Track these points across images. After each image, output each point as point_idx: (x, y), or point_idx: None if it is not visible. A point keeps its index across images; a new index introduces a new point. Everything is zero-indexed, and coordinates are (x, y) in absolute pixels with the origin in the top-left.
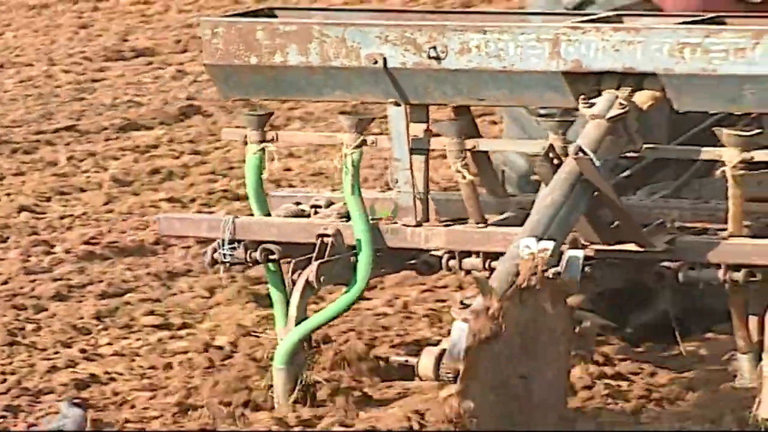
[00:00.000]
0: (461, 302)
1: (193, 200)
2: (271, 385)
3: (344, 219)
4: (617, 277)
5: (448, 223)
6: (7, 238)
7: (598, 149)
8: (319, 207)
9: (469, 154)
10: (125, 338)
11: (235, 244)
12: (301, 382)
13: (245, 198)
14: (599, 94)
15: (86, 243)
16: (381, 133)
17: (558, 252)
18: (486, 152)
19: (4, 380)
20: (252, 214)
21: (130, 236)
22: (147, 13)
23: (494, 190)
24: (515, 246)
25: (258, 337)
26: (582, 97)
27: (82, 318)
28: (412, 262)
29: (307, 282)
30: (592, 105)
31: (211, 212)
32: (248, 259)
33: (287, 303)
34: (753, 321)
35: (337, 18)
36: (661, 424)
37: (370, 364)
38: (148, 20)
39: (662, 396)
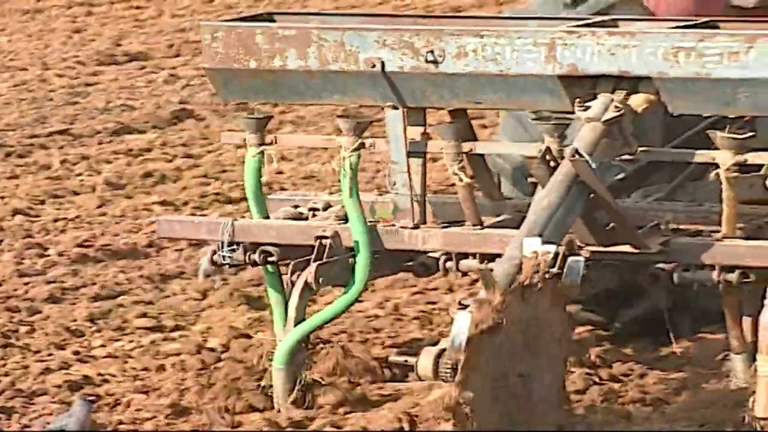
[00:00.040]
0: (459, 303)
1: (185, 203)
2: (271, 386)
3: (342, 221)
4: (612, 278)
5: (445, 225)
6: (1, 240)
7: (594, 152)
8: (317, 209)
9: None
10: (118, 340)
11: (235, 247)
12: (300, 382)
13: (237, 201)
14: (595, 98)
15: (79, 246)
16: (373, 136)
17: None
18: (482, 155)
19: None
20: (246, 216)
21: (123, 239)
22: (140, 17)
23: (490, 192)
24: (513, 248)
25: (250, 338)
26: (578, 100)
27: (75, 320)
28: (410, 263)
29: (306, 283)
30: (587, 108)
31: (204, 215)
32: (247, 261)
33: (285, 304)
34: (747, 322)
35: (335, 22)
36: (651, 425)
37: (368, 364)
38: (141, 25)
39: (655, 397)
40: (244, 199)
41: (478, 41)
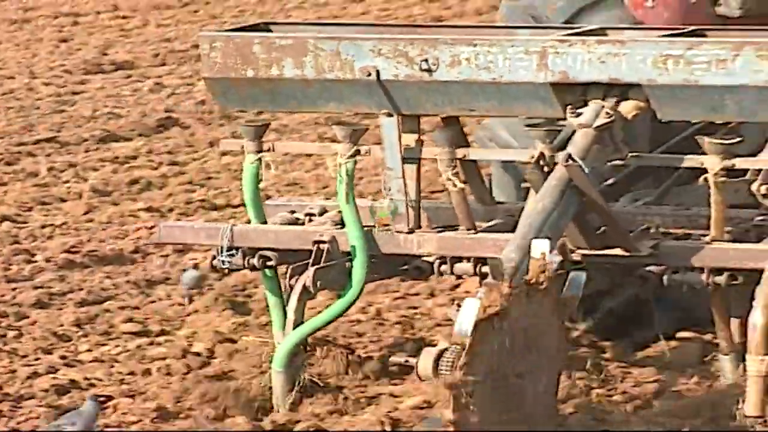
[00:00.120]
0: (458, 305)
1: (171, 210)
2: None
3: (339, 226)
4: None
5: (439, 229)
6: None
7: (587, 157)
8: (314, 215)
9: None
10: (105, 345)
11: (234, 251)
12: (298, 383)
13: (222, 207)
14: (586, 105)
15: (66, 252)
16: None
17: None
18: (475, 161)
19: None
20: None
21: (110, 245)
22: (126, 27)
23: (482, 197)
24: (509, 251)
25: (234, 343)
26: (569, 107)
27: (62, 325)
28: (405, 267)
29: (304, 287)
30: (579, 115)
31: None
32: (246, 266)
33: (283, 307)
34: (735, 323)
35: (331, 32)
36: (630, 426)
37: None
38: (127, 34)
39: (645, 397)
40: (229, 205)
41: (472, 50)
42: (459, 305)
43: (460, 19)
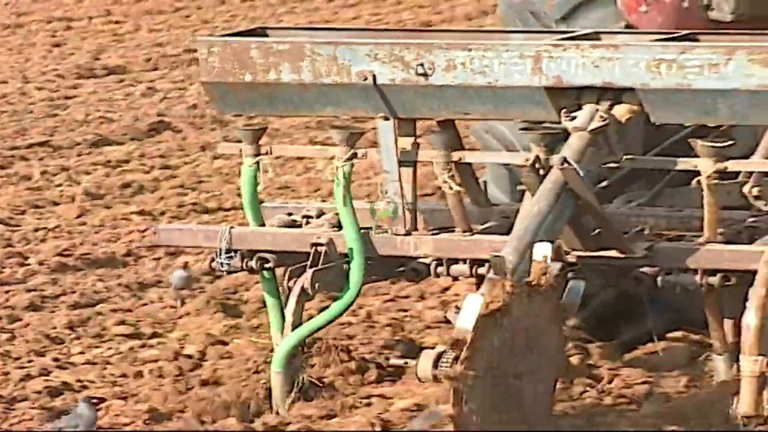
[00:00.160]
0: (456, 307)
1: (163, 213)
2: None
3: (336, 228)
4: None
5: (435, 231)
6: None
7: (582, 160)
8: (311, 217)
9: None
10: (97, 347)
11: (232, 254)
12: (297, 384)
13: (214, 211)
14: (580, 108)
15: (59, 255)
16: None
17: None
18: (470, 164)
19: None
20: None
21: (102, 248)
22: (118, 32)
23: (478, 199)
24: (507, 252)
25: (226, 345)
26: (564, 110)
27: (55, 328)
28: (402, 269)
29: (303, 289)
30: (573, 118)
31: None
32: (244, 268)
33: (281, 309)
34: (728, 323)
35: (328, 37)
36: (618, 427)
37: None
38: (119, 39)
39: (634, 398)
40: (221, 209)
41: (467, 54)
42: (458, 308)
43: (450, 23)
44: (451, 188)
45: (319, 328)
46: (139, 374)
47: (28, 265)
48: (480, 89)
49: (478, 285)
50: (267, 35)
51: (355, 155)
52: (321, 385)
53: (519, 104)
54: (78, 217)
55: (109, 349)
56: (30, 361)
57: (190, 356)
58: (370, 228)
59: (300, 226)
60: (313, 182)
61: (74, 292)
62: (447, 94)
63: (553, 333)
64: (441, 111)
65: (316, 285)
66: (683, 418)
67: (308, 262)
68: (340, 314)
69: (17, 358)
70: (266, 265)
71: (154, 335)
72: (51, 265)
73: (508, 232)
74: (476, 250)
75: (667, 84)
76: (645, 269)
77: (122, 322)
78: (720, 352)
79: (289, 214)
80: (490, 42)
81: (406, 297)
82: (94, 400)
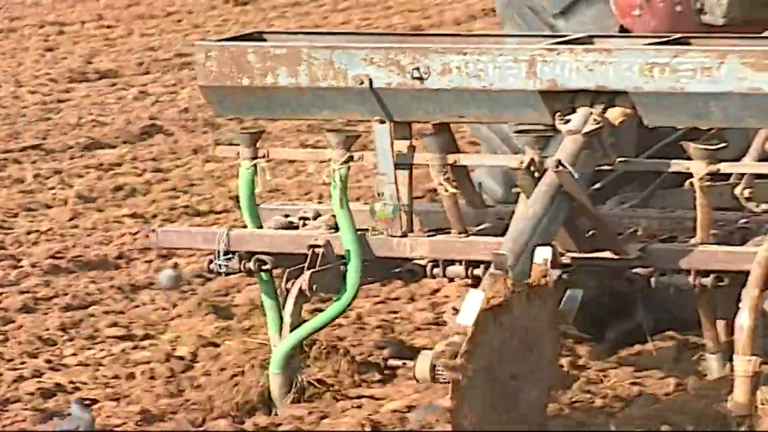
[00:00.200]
0: (453, 308)
1: (155, 216)
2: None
3: (333, 230)
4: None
5: (431, 233)
6: None
7: (576, 163)
8: (307, 219)
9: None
10: (89, 349)
11: (230, 255)
12: (296, 385)
13: (206, 213)
14: (574, 111)
15: (52, 257)
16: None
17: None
18: (465, 166)
19: None
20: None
21: (94, 251)
22: (110, 36)
23: (473, 201)
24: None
25: (218, 347)
26: (558, 114)
27: (47, 329)
28: (398, 270)
29: (301, 290)
30: (568, 121)
31: None
32: (242, 269)
33: (278, 310)
34: (721, 323)
35: (324, 41)
36: (607, 427)
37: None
38: (111, 43)
39: (630, 395)
40: (212, 211)
41: (462, 58)
42: (455, 309)
43: (439, 28)
44: (446, 190)
45: (318, 329)
46: (131, 376)
47: (21, 267)
48: (475, 93)
49: (474, 286)
50: (264, 40)
51: (351, 158)
52: (318, 386)
53: (514, 108)
54: (70, 219)
55: (102, 350)
56: (23, 363)
57: (181, 358)
58: (367, 229)
59: (297, 227)
60: (304, 185)
61: (67, 294)
62: (442, 98)
63: (549, 339)
64: (436, 114)
65: (314, 287)
66: (673, 419)
67: (306, 264)
68: (339, 315)
69: (10, 360)
70: (264, 267)
71: (146, 337)
72: (44, 268)
73: (502, 234)
74: (472, 251)
75: (660, 87)
76: (638, 270)
77: (114, 324)
78: (713, 351)
79: (286, 216)
80: (485, 46)
81: (397, 299)
82: (87, 402)
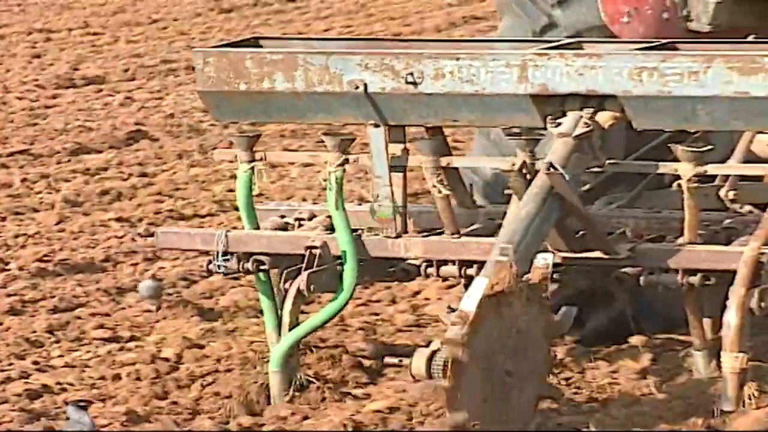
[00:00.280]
0: (449, 307)
1: (140, 220)
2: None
3: (329, 231)
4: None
5: (425, 233)
6: None
7: (567, 165)
8: (303, 219)
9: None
10: (76, 350)
11: (228, 256)
12: (294, 383)
13: (190, 218)
14: (564, 115)
15: (39, 260)
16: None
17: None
18: (456, 168)
19: None
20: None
21: (81, 254)
22: (97, 43)
23: (464, 202)
24: (495, 255)
25: (202, 348)
26: (549, 117)
27: (35, 331)
28: (392, 270)
29: (299, 290)
30: (558, 125)
31: None
32: (240, 270)
33: (276, 310)
34: (707, 321)
35: (320, 47)
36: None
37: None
38: (98, 50)
39: (618, 394)
40: (197, 215)
41: (455, 63)
42: (450, 308)
43: (420, 35)
44: (440, 192)
45: (315, 329)
46: (117, 377)
47: (9, 270)
48: (468, 97)
49: (467, 285)
50: (260, 46)
51: (347, 161)
52: (317, 384)
53: (506, 111)
54: (57, 223)
55: (88, 352)
56: (10, 365)
57: (167, 359)
58: (362, 230)
59: (293, 227)
60: (287, 189)
61: (54, 297)
62: (436, 102)
63: (542, 348)
64: (430, 118)
65: (312, 287)
66: (654, 418)
67: (303, 264)
68: (336, 315)
69: None
70: (262, 267)
71: (132, 339)
72: (31, 271)
73: (493, 234)
74: (465, 251)
75: (648, 91)
76: (627, 269)
77: (101, 326)
78: (699, 348)
79: (282, 217)
80: (477, 51)
81: (378, 301)
82: (82, 404)
